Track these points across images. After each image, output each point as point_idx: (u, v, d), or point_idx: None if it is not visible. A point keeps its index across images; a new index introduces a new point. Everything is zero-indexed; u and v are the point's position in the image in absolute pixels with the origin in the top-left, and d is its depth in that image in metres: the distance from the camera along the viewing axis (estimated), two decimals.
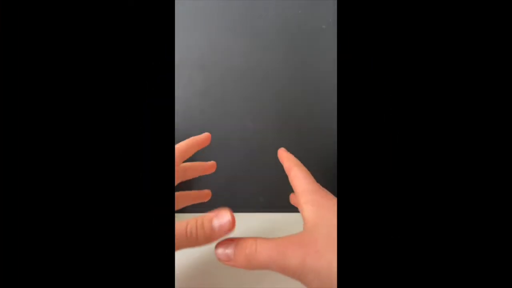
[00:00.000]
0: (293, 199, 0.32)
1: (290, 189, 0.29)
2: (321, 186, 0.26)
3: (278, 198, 0.42)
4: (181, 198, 0.34)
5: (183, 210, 0.42)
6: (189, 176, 0.33)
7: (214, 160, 0.42)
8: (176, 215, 0.41)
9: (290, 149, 0.31)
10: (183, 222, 0.22)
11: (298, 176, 0.26)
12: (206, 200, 0.36)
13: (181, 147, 0.31)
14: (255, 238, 0.22)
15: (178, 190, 0.34)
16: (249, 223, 0.31)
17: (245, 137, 0.43)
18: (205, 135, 0.33)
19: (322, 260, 0.20)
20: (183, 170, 0.32)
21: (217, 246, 0.23)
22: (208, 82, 0.43)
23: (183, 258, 0.33)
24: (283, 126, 0.43)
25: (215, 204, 0.30)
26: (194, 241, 0.22)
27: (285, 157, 0.29)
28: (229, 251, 0.22)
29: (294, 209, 0.31)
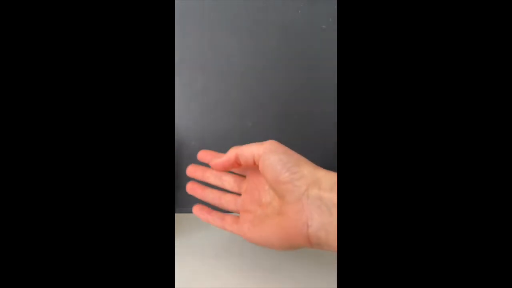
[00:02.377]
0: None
1: None
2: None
3: None
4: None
5: (183, 210, 0.42)
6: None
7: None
8: (176, 215, 0.41)
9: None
10: None
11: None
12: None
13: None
14: None
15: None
16: None
17: (245, 137, 0.43)
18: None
19: None
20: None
21: None
22: (208, 82, 0.43)
23: (182, 258, 0.33)
24: (283, 126, 0.43)
25: None
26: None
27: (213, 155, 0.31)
28: None
29: None
